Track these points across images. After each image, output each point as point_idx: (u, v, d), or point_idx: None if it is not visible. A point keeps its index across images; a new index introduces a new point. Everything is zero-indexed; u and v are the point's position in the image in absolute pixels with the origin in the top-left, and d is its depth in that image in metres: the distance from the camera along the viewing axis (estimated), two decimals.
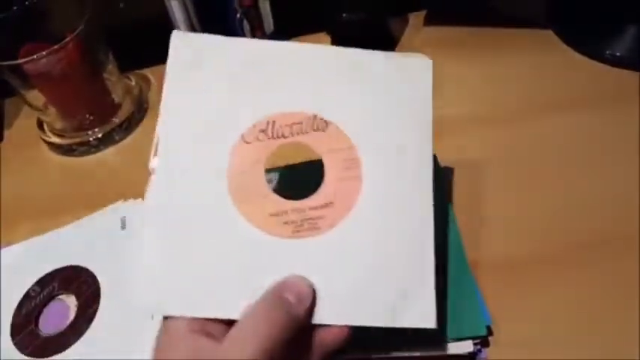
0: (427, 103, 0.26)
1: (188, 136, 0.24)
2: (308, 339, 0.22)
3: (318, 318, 0.22)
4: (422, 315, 0.22)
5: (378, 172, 0.24)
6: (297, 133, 0.24)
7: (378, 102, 0.25)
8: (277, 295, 0.21)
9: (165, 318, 0.22)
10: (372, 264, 0.23)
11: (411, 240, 0.23)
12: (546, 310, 0.29)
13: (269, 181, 0.24)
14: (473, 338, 0.26)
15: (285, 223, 0.23)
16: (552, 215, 0.33)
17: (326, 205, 0.23)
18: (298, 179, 0.25)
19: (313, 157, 0.24)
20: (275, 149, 0.24)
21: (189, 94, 0.24)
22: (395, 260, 0.23)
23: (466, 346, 0.26)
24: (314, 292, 0.22)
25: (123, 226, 0.36)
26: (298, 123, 0.24)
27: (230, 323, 0.21)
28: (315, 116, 0.24)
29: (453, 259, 0.29)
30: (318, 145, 0.24)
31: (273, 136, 0.24)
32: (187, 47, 0.25)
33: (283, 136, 0.24)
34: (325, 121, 0.24)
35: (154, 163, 0.24)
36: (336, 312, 0.22)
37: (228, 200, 0.23)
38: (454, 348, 0.26)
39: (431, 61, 0.26)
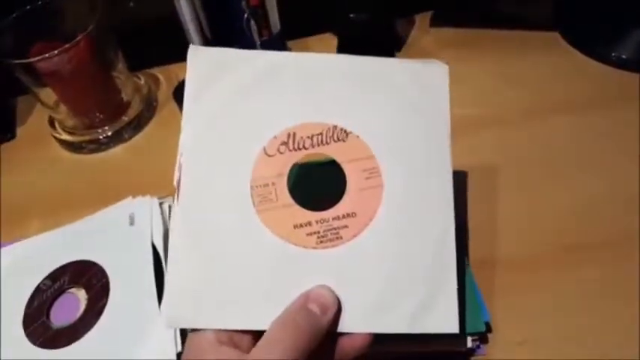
0: (444, 109, 0.26)
1: (210, 150, 0.24)
2: (331, 346, 0.22)
3: (344, 326, 0.22)
4: (445, 320, 0.23)
5: (398, 181, 0.24)
6: (318, 144, 0.24)
7: (395, 110, 0.25)
8: (302, 306, 0.22)
9: (193, 330, 0.22)
10: (395, 271, 0.23)
11: (432, 246, 0.24)
12: (547, 309, 0.29)
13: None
14: (471, 334, 0.27)
15: (309, 234, 0.23)
16: (556, 215, 0.33)
17: (348, 216, 0.24)
18: (311, 176, 0.26)
19: (334, 165, 0.25)
20: (297, 161, 0.24)
21: (209, 108, 0.25)
22: (417, 266, 0.23)
23: (465, 343, 0.27)
24: (338, 302, 0.22)
25: (131, 222, 0.36)
26: (318, 134, 0.24)
27: (257, 334, 0.21)
28: (335, 127, 0.25)
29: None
30: (339, 155, 0.24)
31: (294, 148, 0.24)
32: (204, 62, 0.25)
33: (304, 148, 0.24)
34: (345, 131, 0.24)
35: (177, 177, 0.24)
36: (361, 320, 0.22)
37: (252, 212, 0.23)
38: (453, 344, 0.26)
39: (447, 66, 0.26)
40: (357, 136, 0.25)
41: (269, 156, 0.24)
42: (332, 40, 0.49)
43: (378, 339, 0.23)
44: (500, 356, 0.27)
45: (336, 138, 0.24)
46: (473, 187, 0.35)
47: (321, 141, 0.24)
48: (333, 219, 0.24)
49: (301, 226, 0.23)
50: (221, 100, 0.25)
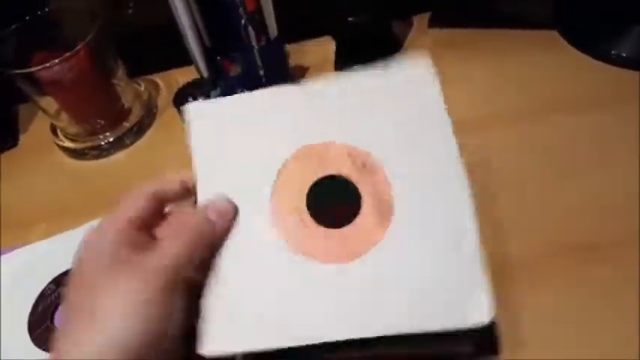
0: (440, 107, 0.26)
1: (225, 183, 0.25)
2: None
3: (379, 329, 0.23)
4: (478, 313, 0.23)
5: (410, 189, 0.25)
6: (328, 163, 0.25)
7: (394, 119, 0.26)
8: (201, 213, 0.24)
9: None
10: (419, 275, 0.23)
11: (453, 246, 0.24)
12: (550, 309, 0.29)
13: None
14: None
15: (330, 249, 0.24)
16: (558, 215, 0.33)
17: (365, 229, 0.24)
18: (323, 192, 0.26)
19: (347, 182, 0.26)
20: (312, 181, 0.25)
21: (219, 153, 0.26)
22: (443, 265, 0.24)
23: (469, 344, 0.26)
24: (235, 208, 0.24)
25: None
26: (327, 154, 0.26)
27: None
28: (341, 145, 0.26)
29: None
30: (350, 173, 0.25)
31: (308, 169, 0.25)
32: (205, 118, 0.27)
33: (318, 166, 0.25)
34: (354, 149, 0.25)
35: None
36: (394, 322, 0.23)
37: (272, 233, 0.24)
38: (457, 345, 0.26)
39: (430, 61, 0.27)
40: (368, 153, 0.25)
41: (284, 179, 0.25)
42: (330, 43, 0.49)
43: (389, 341, 0.23)
44: (504, 357, 0.27)
45: (346, 156, 0.25)
46: (476, 186, 0.35)
47: (331, 159, 0.25)
48: (351, 234, 0.24)
49: (323, 241, 0.24)
50: (228, 142, 0.26)
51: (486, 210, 0.33)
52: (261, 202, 0.25)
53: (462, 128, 0.39)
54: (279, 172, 0.25)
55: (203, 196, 0.25)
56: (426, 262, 0.24)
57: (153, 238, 0.24)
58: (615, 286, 0.29)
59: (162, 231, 0.24)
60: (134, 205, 0.24)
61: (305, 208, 0.25)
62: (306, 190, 0.25)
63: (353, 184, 0.25)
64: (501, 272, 0.30)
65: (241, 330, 0.23)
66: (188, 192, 0.26)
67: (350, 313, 0.23)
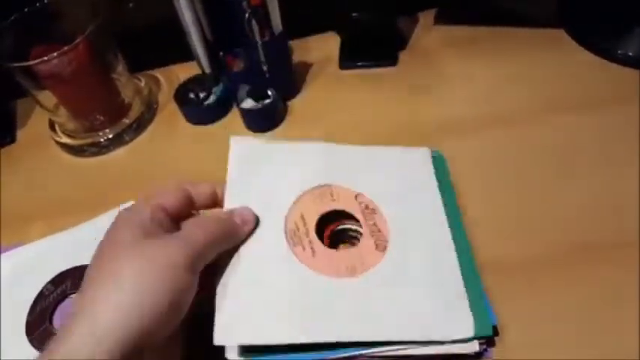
0: (430, 174, 0.34)
1: (249, 203, 0.30)
2: None
3: (370, 336, 0.26)
4: (460, 328, 0.27)
5: (402, 226, 0.31)
6: (339, 201, 0.32)
7: (393, 178, 0.34)
8: (227, 214, 0.28)
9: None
10: (409, 291, 0.28)
11: (437, 267, 0.29)
12: (549, 310, 0.28)
13: None
14: (479, 338, 0.27)
15: (333, 266, 0.29)
16: (563, 215, 0.32)
17: (365, 254, 0.30)
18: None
19: (352, 216, 0.32)
20: (323, 211, 0.31)
21: (248, 179, 0.31)
22: (432, 285, 0.28)
23: (473, 346, 0.26)
24: (257, 219, 0.29)
25: None
26: (336, 193, 0.32)
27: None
28: (353, 190, 0.32)
29: (459, 260, 0.30)
30: (355, 211, 0.32)
31: (321, 202, 0.31)
32: (243, 150, 0.33)
33: (330, 202, 0.32)
34: (362, 195, 0.32)
35: None
36: (384, 332, 0.27)
37: (284, 247, 0.29)
38: (461, 347, 0.26)
39: (428, 150, 0.35)
40: (371, 200, 0.32)
41: (303, 204, 0.31)
42: (334, 39, 0.48)
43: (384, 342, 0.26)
44: (507, 358, 0.27)
45: (353, 198, 0.32)
46: (477, 185, 0.35)
47: (340, 200, 0.32)
48: (352, 256, 0.30)
49: (326, 260, 0.29)
50: (257, 174, 0.32)
51: (491, 210, 0.33)
52: (278, 222, 0.30)
53: (465, 125, 0.39)
54: (296, 201, 0.31)
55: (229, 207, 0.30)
56: (417, 282, 0.29)
57: (179, 228, 0.26)
58: (615, 286, 0.29)
59: (187, 224, 0.27)
60: (169, 194, 0.27)
61: (314, 232, 0.30)
62: (316, 218, 0.31)
63: (356, 218, 0.31)
64: (501, 272, 0.30)
65: (252, 324, 0.26)
66: (215, 204, 0.29)
67: (353, 320, 0.27)
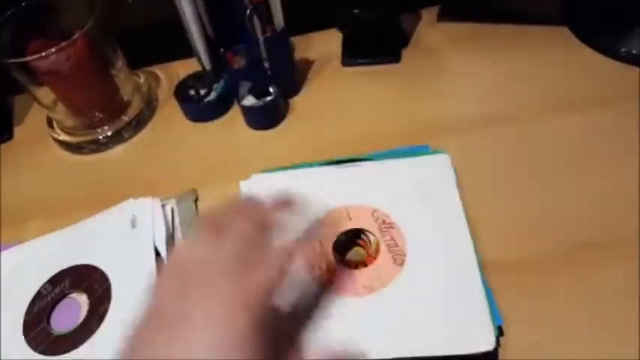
0: (452, 183, 0.33)
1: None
2: None
3: (398, 351, 0.26)
4: (481, 340, 0.26)
5: (420, 240, 0.31)
6: (356, 220, 0.33)
7: (410, 191, 0.33)
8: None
9: None
10: (426, 307, 0.28)
11: (458, 282, 0.29)
12: (559, 310, 0.28)
13: None
14: None
15: (351, 286, 0.29)
16: (568, 214, 0.32)
17: (383, 270, 0.30)
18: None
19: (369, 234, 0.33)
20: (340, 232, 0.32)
21: None
22: (452, 298, 0.28)
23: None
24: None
25: (133, 225, 0.36)
26: (353, 212, 0.33)
27: None
28: (369, 207, 0.33)
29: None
30: (372, 228, 0.32)
31: (339, 223, 0.32)
32: (258, 185, 0.35)
33: (347, 222, 0.33)
34: (378, 210, 0.33)
35: None
36: (411, 346, 0.27)
37: (308, 280, 0.29)
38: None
39: (449, 156, 0.35)
40: (387, 214, 0.32)
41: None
42: (336, 36, 0.48)
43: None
44: (512, 358, 0.27)
45: (370, 215, 0.33)
46: (481, 183, 0.34)
47: (357, 218, 0.32)
48: (370, 274, 0.30)
49: (344, 282, 0.30)
50: None
51: (496, 209, 0.33)
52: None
53: (468, 122, 0.38)
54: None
55: None
56: (437, 296, 0.28)
57: None
58: (615, 286, 0.29)
59: None
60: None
61: (331, 253, 0.31)
62: (333, 240, 0.32)
63: (374, 235, 0.32)
64: (511, 273, 0.30)
65: None
66: None
67: (371, 337, 0.27)
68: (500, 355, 0.27)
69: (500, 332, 0.27)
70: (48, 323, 0.32)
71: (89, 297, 0.33)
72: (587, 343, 0.27)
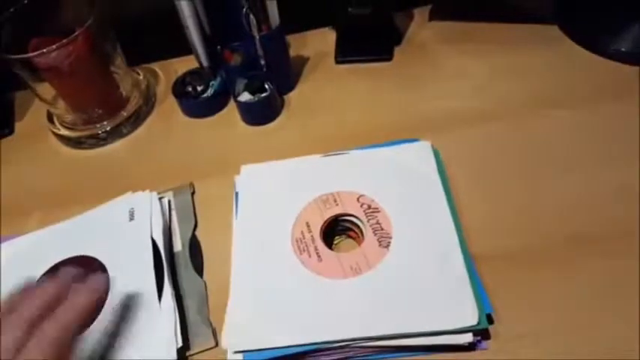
0: (432, 167, 0.35)
1: (259, 218, 0.34)
2: None
3: (378, 330, 0.28)
4: (465, 316, 0.27)
5: (405, 222, 0.32)
6: (342, 206, 0.34)
7: (393, 177, 0.35)
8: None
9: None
10: (412, 286, 0.29)
11: (441, 262, 0.30)
12: (549, 302, 0.29)
13: None
14: (473, 330, 0.27)
15: (338, 269, 0.31)
16: (558, 208, 0.33)
17: (369, 253, 0.31)
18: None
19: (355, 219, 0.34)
20: (327, 217, 0.33)
21: (257, 198, 0.36)
22: (437, 276, 0.29)
23: (466, 337, 0.27)
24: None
25: (131, 218, 0.36)
26: (339, 198, 0.34)
27: None
28: (355, 192, 0.34)
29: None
30: (358, 212, 0.33)
31: (325, 209, 0.34)
32: (251, 175, 0.37)
33: (334, 208, 0.34)
34: (363, 196, 0.34)
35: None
36: (390, 325, 0.28)
37: (293, 256, 0.31)
38: (454, 338, 0.27)
39: (429, 143, 0.37)
40: (372, 199, 0.33)
41: (308, 212, 0.34)
42: (330, 34, 0.49)
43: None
44: (502, 349, 0.28)
45: (355, 200, 0.34)
46: (472, 179, 0.35)
47: (343, 204, 0.34)
48: (356, 256, 0.31)
49: (331, 264, 0.31)
50: (267, 190, 0.36)
51: (487, 202, 0.34)
52: (285, 233, 0.32)
53: (460, 120, 0.39)
54: (302, 211, 0.34)
55: (240, 226, 0.34)
56: (423, 274, 0.29)
57: None
58: (614, 284, 0.29)
59: None
60: None
61: (320, 238, 0.32)
62: (321, 224, 0.33)
63: (360, 219, 0.33)
64: (502, 266, 0.31)
65: (260, 330, 0.28)
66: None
67: (357, 317, 0.28)
68: (491, 347, 0.28)
69: (489, 320, 0.28)
70: None
71: None
72: (575, 335, 0.27)
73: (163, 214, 0.36)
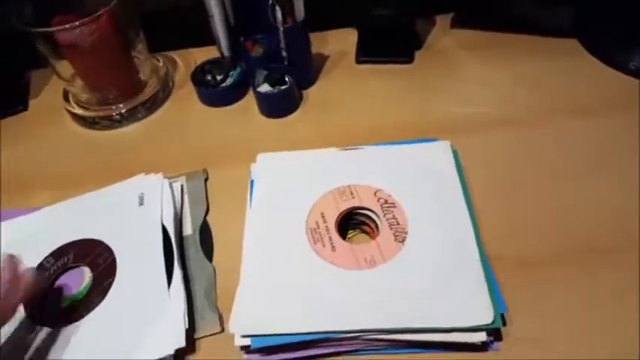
0: (452, 165, 0.35)
1: (276, 206, 0.34)
2: None
3: (398, 322, 0.27)
4: (480, 314, 0.27)
5: (421, 218, 0.32)
6: (358, 199, 0.33)
7: (411, 173, 0.35)
8: None
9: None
10: (425, 281, 0.29)
11: (457, 258, 0.29)
12: (562, 307, 0.29)
13: None
14: (486, 329, 0.27)
15: (351, 259, 0.30)
16: (573, 215, 0.33)
17: (384, 246, 0.31)
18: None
19: (371, 213, 0.33)
20: (343, 209, 0.33)
21: (274, 185, 0.35)
22: (452, 272, 0.29)
23: (480, 336, 0.26)
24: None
25: (141, 202, 0.36)
26: (355, 191, 0.34)
27: None
28: (372, 187, 0.34)
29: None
30: (374, 206, 0.33)
31: (341, 201, 0.33)
32: (269, 161, 0.37)
33: (350, 200, 0.33)
34: (380, 191, 0.33)
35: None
36: (401, 320, 0.27)
37: (307, 245, 0.31)
38: (468, 337, 0.26)
39: (449, 143, 0.36)
40: (389, 194, 0.33)
41: (323, 203, 0.33)
42: (352, 35, 0.49)
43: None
44: (514, 352, 0.27)
45: (372, 194, 0.33)
46: (490, 182, 0.35)
47: (360, 197, 0.33)
48: (371, 249, 0.31)
49: (345, 254, 0.30)
50: (284, 179, 0.35)
51: (503, 207, 0.34)
52: (300, 222, 0.32)
53: (479, 127, 0.39)
54: (318, 201, 0.33)
55: (254, 213, 0.34)
56: (438, 270, 0.29)
57: None
58: (615, 288, 0.29)
59: None
60: None
61: (334, 229, 0.32)
62: (337, 215, 0.32)
63: (376, 214, 0.32)
64: (516, 269, 0.30)
65: (271, 315, 0.28)
66: None
67: (370, 309, 0.27)
68: (502, 349, 0.27)
69: (502, 321, 0.27)
70: (45, 297, 0.32)
71: (93, 271, 0.33)
72: (586, 341, 0.27)
73: (174, 199, 0.36)
